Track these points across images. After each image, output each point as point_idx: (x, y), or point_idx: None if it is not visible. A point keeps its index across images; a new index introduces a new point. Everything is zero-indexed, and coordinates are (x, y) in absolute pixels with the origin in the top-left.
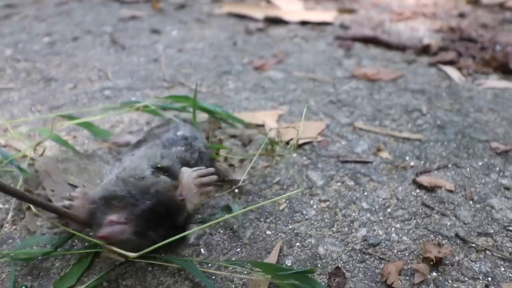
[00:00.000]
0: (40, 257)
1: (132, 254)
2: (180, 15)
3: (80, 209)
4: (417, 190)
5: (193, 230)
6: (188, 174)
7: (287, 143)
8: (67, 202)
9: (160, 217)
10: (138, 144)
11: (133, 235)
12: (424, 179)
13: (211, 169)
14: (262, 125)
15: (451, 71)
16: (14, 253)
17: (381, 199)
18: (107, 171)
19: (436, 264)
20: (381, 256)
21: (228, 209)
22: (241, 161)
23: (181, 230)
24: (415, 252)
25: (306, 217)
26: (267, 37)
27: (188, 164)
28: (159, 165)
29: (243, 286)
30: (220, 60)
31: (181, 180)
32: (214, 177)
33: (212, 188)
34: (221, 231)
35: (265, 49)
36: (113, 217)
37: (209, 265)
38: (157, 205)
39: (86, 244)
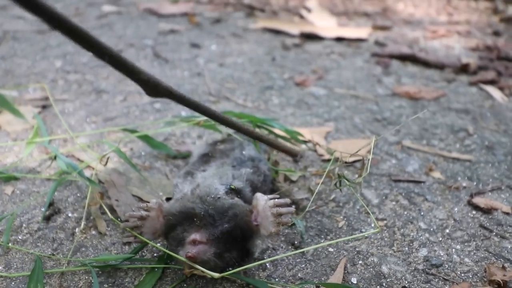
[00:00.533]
0: (115, 266)
1: (216, 275)
2: (216, 30)
3: (155, 220)
4: (473, 212)
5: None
6: (264, 201)
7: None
8: (144, 213)
9: (235, 240)
10: (205, 159)
11: (213, 256)
12: (479, 201)
13: (288, 200)
14: (308, 141)
15: (492, 90)
16: (92, 260)
17: (438, 219)
18: (177, 184)
19: (502, 287)
20: (445, 277)
21: (290, 224)
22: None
23: (252, 254)
24: (478, 275)
25: (366, 235)
26: (304, 53)
27: (256, 187)
28: (233, 187)
29: None
30: (261, 75)
31: (256, 206)
32: (293, 209)
33: (290, 220)
34: (283, 246)
35: (304, 65)
36: (197, 236)
37: (276, 279)
38: (234, 228)
39: (155, 255)
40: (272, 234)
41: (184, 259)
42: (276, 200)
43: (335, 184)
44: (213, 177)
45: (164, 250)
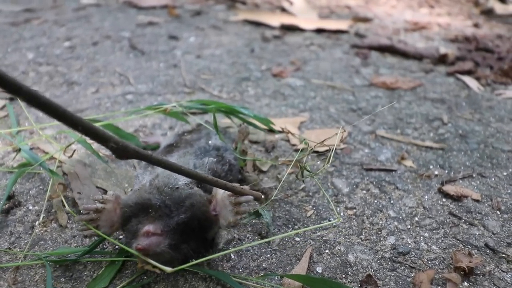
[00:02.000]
0: (73, 260)
1: (168, 269)
2: (196, 22)
3: (111, 213)
4: (443, 199)
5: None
6: (223, 191)
7: (315, 152)
8: (100, 205)
9: (193, 231)
10: (169, 149)
11: (168, 248)
12: (450, 188)
13: (246, 187)
14: (281, 131)
15: (469, 81)
16: (49, 254)
17: (407, 207)
18: (138, 175)
19: (468, 274)
20: (411, 265)
21: (257, 214)
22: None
23: (210, 244)
24: (445, 262)
25: (334, 224)
26: (283, 45)
27: (219, 176)
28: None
29: None
30: (238, 66)
31: (215, 195)
32: (250, 197)
33: (248, 209)
34: (250, 237)
35: (283, 57)
36: (150, 227)
37: (240, 270)
38: (191, 219)
39: (116, 247)
40: (231, 223)
41: (136, 253)
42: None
43: (296, 176)
44: None
45: (117, 243)
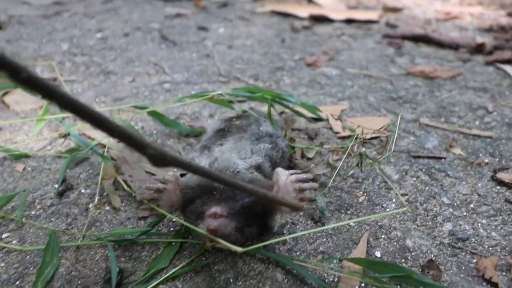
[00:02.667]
0: (132, 240)
1: (239, 249)
2: (223, 13)
3: (171, 193)
4: (498, 187)
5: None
6: (286, 176)
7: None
8: (161, 185)
9: (256, 215)
10: (222, 133)
11: (234, 230)
12: (503, 176)
13: (310, 175)
14: (327, 120)
15: (510, 69)
16: (108, 234)
17: (461, 194)
18: (194, 158)
19: None
20: (472, 251)
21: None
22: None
23: (271, 228)
24: (506, 248)
25: (387, 210)
26: (314, 35)
27: (275, 163)
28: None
29: (335, 277)
30: (271, 56)
31: (277, 181)
32: (316, 184)
33: (312, 196)
34: (303, 221)
35: (314, 47)
36: (218, 209)
37: (297, 253)
38: (256, 203)
39: (172, 229)
40: (292, 209)
41: (205, 232)
42: (298, 175)
43: (357, 164)
44: (231, 151)
45: (184, 223)
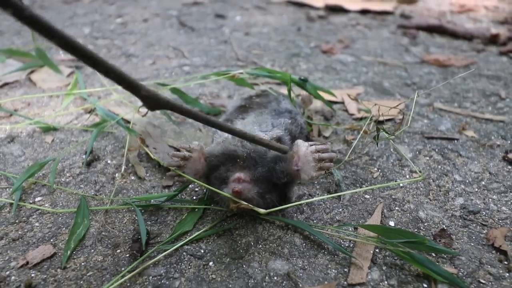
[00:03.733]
0: (158, 205)
1: (262, 211)
2: (240, 2)
3: (196, 161)
4: (509, 167)
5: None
6: (305, 147)
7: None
8: (187, 153)
9: (275, 183)
10: (243, 109)
11: (256, 195)
12: None
13: (329, 146)
14: (342, 102)
15: None
16: (136, 199)
17: (473, 172)
18: (216, 130)
19: None
20: (483, 223)
21: (328, 174)
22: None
23: (289, 199)
24: None
25: (401, 185)
26: (329, 24)
27: (294, 137)
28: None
29: (351, 242)
30: (287, 43)
31: (297, 151)
32: (334, 154)
33: (332, 164)
34: (319, 193)
35: (329, 35)
36: (241, 175)
37: (314, 221)
38: (276, 171)
39: (194, 197)
40: (313, 178)
41: (229, 196)
42: (318, 146)
43: (374, 138)
44: (253, 124)
45: (209, 187)
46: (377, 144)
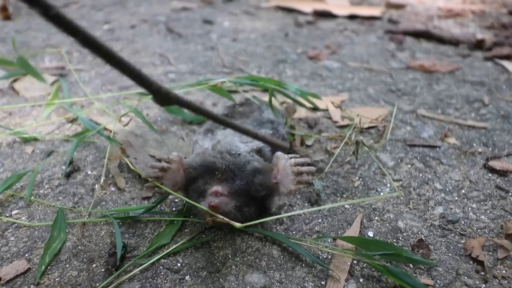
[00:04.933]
0: (136, 217)
1: (238, 224)
2: (229, 8)
3: (175, 172)
4: (489, 174)
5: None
6: (285, 160)
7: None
8: (165, 164)
9: (254, 197)
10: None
11: (233, 209)
12: (495, 164)
13: (308, 159)
14: (326, 110)
15: (508, 65)
16: (114, 211)
17: (454, 180)
18: (197, 140)
19: None
20: (461, 232)
21: (309, 184)
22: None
23: (269, 210)
24: (494, 231)
25: (381, 194)
26: (317, 30)
27: (275, 149)
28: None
29: (329, 254)
30: (274, 49)
31: (277, 163)
32: (313, 168)
33: (311, 178)
34: (300, 203)
35: (317, 41)
36: (219, 188)
37: (293, 232)
38: (254, 184)
39: (174, 209)
40: (291, 192)
41: (206, 209)
42: (297, 159)
43: (353, 152)
44: (234, 135)
45: (187, 199)
46: (356, 158)
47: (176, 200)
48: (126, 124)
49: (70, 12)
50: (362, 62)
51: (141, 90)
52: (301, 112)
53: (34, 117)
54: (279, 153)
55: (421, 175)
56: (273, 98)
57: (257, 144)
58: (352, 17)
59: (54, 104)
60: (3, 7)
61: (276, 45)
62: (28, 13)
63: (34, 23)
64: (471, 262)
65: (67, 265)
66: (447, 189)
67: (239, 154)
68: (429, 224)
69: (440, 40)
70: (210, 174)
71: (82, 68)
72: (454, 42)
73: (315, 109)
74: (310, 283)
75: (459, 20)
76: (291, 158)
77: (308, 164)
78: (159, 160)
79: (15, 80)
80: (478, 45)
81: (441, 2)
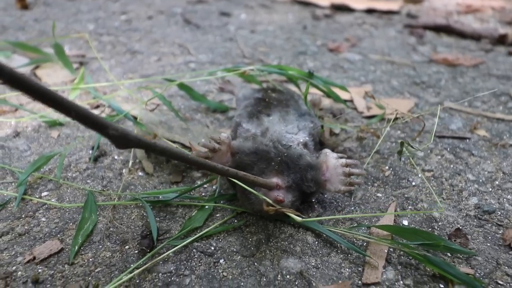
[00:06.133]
0: (168, 201)
1: (299, 219)
2: (245, 1)
3: (224, 155)
4: None
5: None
6: (335, 158)
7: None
8: (216, 145)
9: (304, 191)
10: (265, 104)
11: (290, 203)
12: None
13: (358, 162)
14: (351, 101)
15: None
16: (145, 195)
17: (486, 172)
18: (241, 123)
19: None
20: (498, 223)
21: None
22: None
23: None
24: None
25: (413, 184)
26: (335, 23)
27: (314, 141)
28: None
29: (363, 242)
30: (293, 41)
31: (326, 161)
32: (364, 171)
33: (360, 181)
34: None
35: (336, 34)
36: (279, 181)
37: (326, 220)
38: (307, 179)
39: (203, 194)
40: (340, 191)
41: (269, 201)
42: (348, 160)
43: (398, 152)
44: (280, 123)
45: (247, 187)
46: (400, 158)
47: (205, 186)
48: (153, 110)
49: (87, 3)
50: (383, 55)
51: (165, 76)
52: (325, 102)
53: None
54: (327, 150)
55: (452, 166)
56: (298, 89)
57: (303, 136)
58: (370, 11)
59: (79, 89)
60: None
61: (295, 37)
62: (45, 2)
63: (52, 12)
64: (510, 252)
65: (100, 246)
66: (480, 180)
67: (290, 145)
68: (465, 214)
69: (461, 34)
70: (264, 163)
71: (103, 57)
72: (475, 37)
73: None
74: (347, 269)
75: (479, 16)
76: (341, 157)
77: (359, 166)
78: (210, 141)
79: (37, 67)
80: (501, 40)
81: None
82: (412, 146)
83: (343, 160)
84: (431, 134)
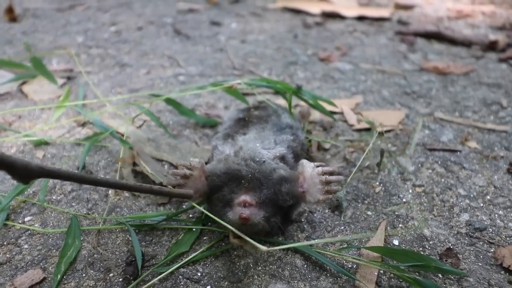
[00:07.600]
0: (153, 225)
1: (264, 248)
2: (235, 9)
3: (197, 180)
4: None
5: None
6: (311, 168)
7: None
8: (188, 171)
9: (280, 205)
10: (242, 123)
11: (262, 219)
12: None
13: (336, 168)
14: (341, 113)
15: None
16: (130, 218)
17: (477, 186)
18: (217, 146)
19: None
20: (490, 241)
21: None
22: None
23: (290, 221)
24: None
25: (404, 200)
26: (326, 31)
27: (297, 155)
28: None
29: (353, 264)
30: (284, 51)
31: (303, 172)
32: (341, 177)
33: (339, 188)
34: (320, 210)
35: (327, 42)
36: (247, 198)
37: (316, 240)
38: (281, 193)
39: (191, 215)
40: (319, 201)
41: (236, 220)
42: (325, 168)
43: (377, 164)
44: (255, 140)
45: (210, 215)
46: (379, 169)
47: (202, 210)
48: (140, 126)
49: (76, 14)
50: (374, 63)
51: (152, 91)
52: (316, 115)
53: (44, 120)
54: (304, 161)
55: (443, 180)
56: (284, 101)
57: (279, 150)
58: (361, 18)
59: (65, 106)
60: (9, 9)
61: (285, 46)
62: (34, 14)
63: (41, 25)
64: (502, 272)
65: (83, 275)
66: (472, 195)
67: (264, 161)
68: (456, 231)
69: (452, 41)
70: (235, 183)
71: (91, 71)
72: (466, 44)
73: (332, 113)
74: None
75: (470, 21)
76: (317, 166)
77: (337, 173)
78: (178, 167)
79: (23, 83)
80: (491, 46)
81: (450, 3)
82: (390, 153)
83: (320, 169)
84: (412, 144)
